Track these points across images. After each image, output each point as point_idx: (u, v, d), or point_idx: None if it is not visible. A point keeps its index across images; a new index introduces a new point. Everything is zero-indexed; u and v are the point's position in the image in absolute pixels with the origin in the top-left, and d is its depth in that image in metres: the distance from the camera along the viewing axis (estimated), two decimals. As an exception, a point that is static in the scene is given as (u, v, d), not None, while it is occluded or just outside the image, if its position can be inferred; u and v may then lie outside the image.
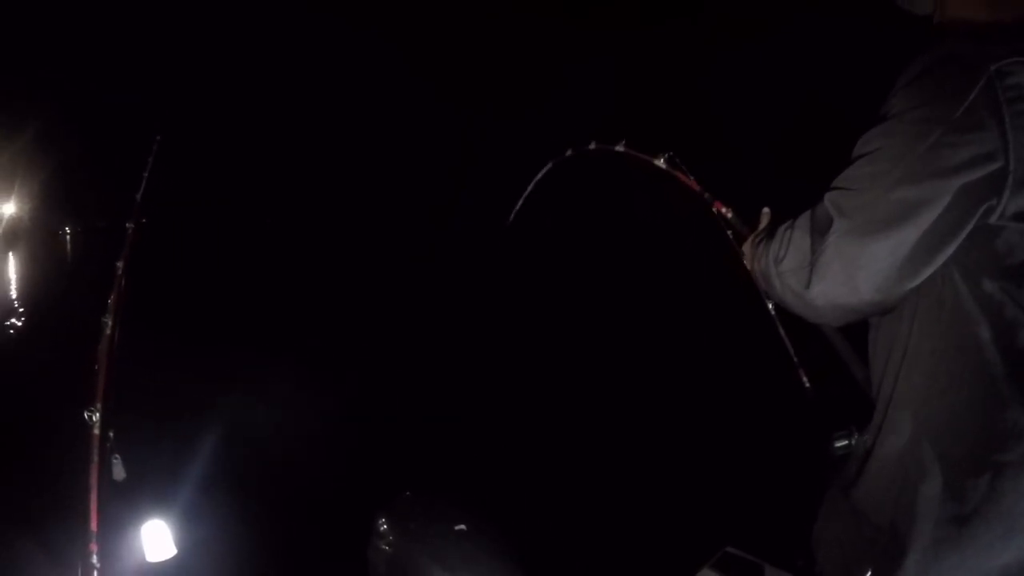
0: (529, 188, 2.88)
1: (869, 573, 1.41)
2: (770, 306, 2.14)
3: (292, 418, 5.61)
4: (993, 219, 1.27)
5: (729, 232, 2.09)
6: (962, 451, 1.30)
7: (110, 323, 1.98)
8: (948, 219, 1.28)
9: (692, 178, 2.26)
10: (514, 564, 2.16)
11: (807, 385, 2.26)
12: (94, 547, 1.70)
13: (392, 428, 5.90)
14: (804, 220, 1.46)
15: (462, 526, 2.17)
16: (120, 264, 2.11)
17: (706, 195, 2.20)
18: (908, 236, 1.30)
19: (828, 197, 1.41)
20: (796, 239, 1.46)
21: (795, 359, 2.22)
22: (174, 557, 1.97)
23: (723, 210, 2.13)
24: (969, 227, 1.28)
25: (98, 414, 1.82)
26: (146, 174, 2.36)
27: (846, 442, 2.13)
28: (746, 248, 1.82)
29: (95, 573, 1.68)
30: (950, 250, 1.30)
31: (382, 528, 2.25)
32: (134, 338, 2.13)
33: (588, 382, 7.23)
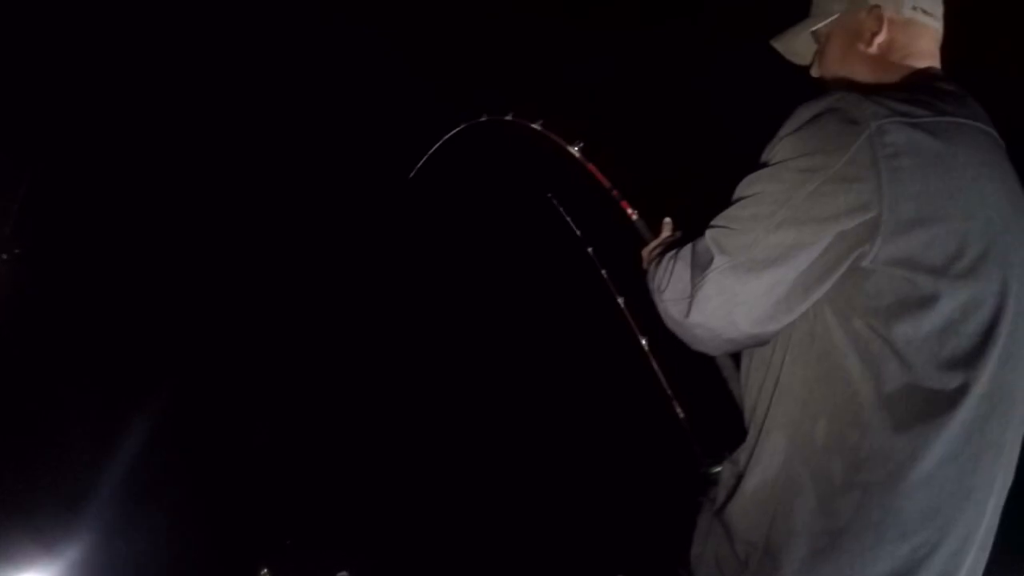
0: (436, 146, 2.79)
1: None
2: (643, 342, 2.24)
3: (175, 467, 5.38)
4: (865, 263, 1.38)
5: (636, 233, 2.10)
6: (833, 471, 1.40)
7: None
8: (824, 261, 1.39)
9: (603, 173, 2.24)
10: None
11: (681, 415, 2.34)
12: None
13: (274, 474, 5.72)
14: (686, 253, 1.54)
15: (344, 573, 2.14)
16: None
17: (614, 192, 2.20)
18: (785, 275, 1.40)
19: (709, 234, 1.49)
20: (678, 270, 1.54)
21: (669, 391, 2.30)
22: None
23: (629, 211, 2.14)
24: (842, 269, 1.39)
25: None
26: (15, 206, 2.24)
27: (719, 468, 2.23)
28: (645, 255, 1.89)
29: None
30: (824, 289, 1.41)
31: (265, 578, 2.19)
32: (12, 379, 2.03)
33: (463, 404, 7.19)
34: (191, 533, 4.53)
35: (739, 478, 1.56)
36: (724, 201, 1.73)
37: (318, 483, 5.31)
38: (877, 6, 1.63)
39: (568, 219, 2.35)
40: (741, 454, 1.59)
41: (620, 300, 2.23)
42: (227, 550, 3.25)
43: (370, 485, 5.22)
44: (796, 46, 1.87)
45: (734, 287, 1.43)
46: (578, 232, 2.34)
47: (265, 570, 2.07)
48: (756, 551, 1.47)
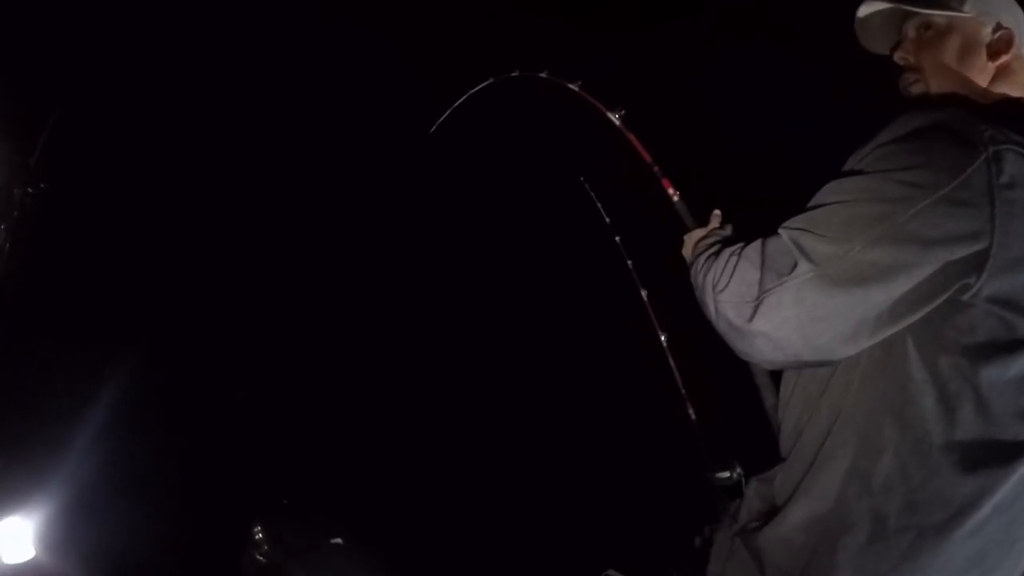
0: (460, 100, 2.57)
1: None
2: (663, 337, 2.19)
3: (168, 415, 5.37)
4: (965, 297, 1.26)
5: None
6: (888, 511, 1.31)
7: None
8: (923, 289, 1.25)
9: (645, 145, 2.04)
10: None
11: (693, 415, 2.29)
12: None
13: (271, 427, 5.72)
14: (753, 252, 1.39)
15: (338, 539, 2.13)
16: (2, 227, 1.96)
17: (656, 168, 2.00)
18: (877, 298, 1.26)
19: (790, 236, 1.33)
20: (742, 269, 1.38)
21: (683, 390, 2.25)
22: (32, 558, 1.86)
23: (671, 191, 1.96)
24: (940, 300, 1.27)
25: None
26: (43, 136, 2.20)
27: (728, 474, 2.18)
28: (687, 240, 1.72)
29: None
30: (915, 318, 1.28)
31: (257, 537, 2.18)
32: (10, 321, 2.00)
33: (470, 383, 7.17)
34: (184, 491, 4.53)
35: (775, 503, 1.45)
36: (727, 202, 1.64)
37: (318, 444, 5.32)
38: (1008, 29, 1.55)
39: (599, 205, 2.25)
40: (778, 478, 1.49)
41: (644, 293, 2.17)
42: (221, 508, 3.25)
43: (372, 456, 5.22)
44: (875, 21, 1.73)
45: (815, 300, 1.28)
46: (607, 219, 2.23)
47: (259, 528, 2.07)
48: None
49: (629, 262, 2.14)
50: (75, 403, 5.32)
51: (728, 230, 1.67)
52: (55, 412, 5.07)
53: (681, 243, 1.73)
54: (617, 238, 2.19)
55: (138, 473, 4.61)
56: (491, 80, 2.42)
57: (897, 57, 1.61)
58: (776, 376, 1.62)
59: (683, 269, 1.65)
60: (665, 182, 1.94)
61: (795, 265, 1.29)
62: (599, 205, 2.23)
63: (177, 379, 6.37)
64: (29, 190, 2.11)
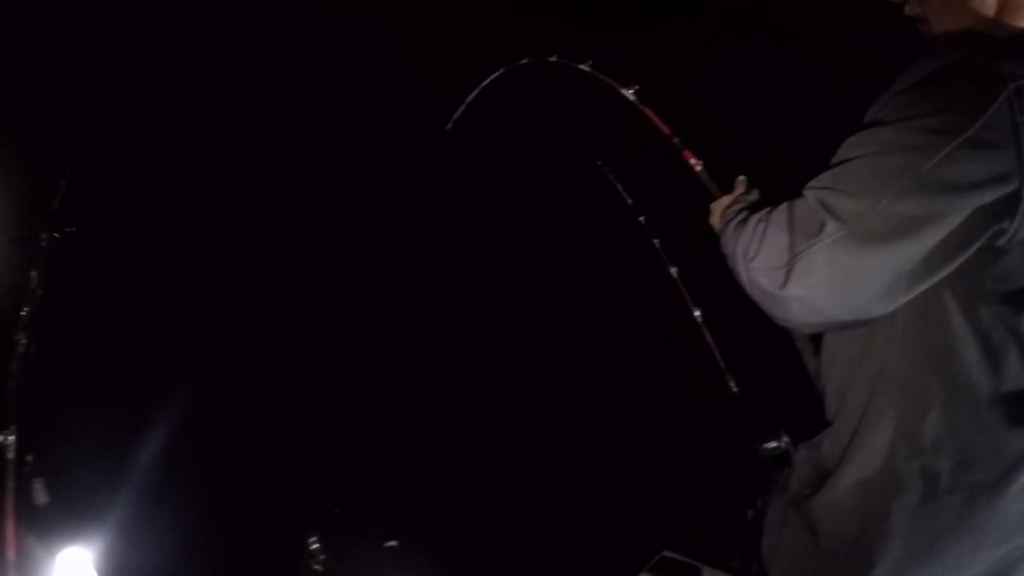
0: (474, 93, 2.57)
1: None
2: (696, 313, 2.17)
3: (221, 434, 5.46)
4: (1001, 242, 1.23)
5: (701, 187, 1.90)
6: (940, 470, 1.28)
7: (24, 340, 1.89)
8: (955, 238, 1.22)
9: (662, 119, 2.03)
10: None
11: (735, 389, 2.28)
12: (10, 576, 1.62)
13: (322, 443, 5.79)
14: (781, 216, 1.36)
15: (393, 542, 2.14)
16: (35, 275, 2.01)
17: (675, 140, 1.99)
18: (910, 252, 1.22)
19: (816, 196, 1.29)
20: (771, 235, 1.35)
21: (723, 364, 2.23)
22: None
23: (692, 161, 1.93)
24: (974, 248, 1.23)
25: (12, 437, 1.74)
26: (64, 182, 2.26)
27: (775, 444, 2.16)
28: (715, 208, 1.69)
29: (10, 604, 1.60)
30: (951, 268, 1.24)
31: (313, 547, 2.21)
32: (53, 355, 2.04)
33: (514, 373, 7.17)
34: (239, 503, 4.61)
35: (825, 468, 1.43)
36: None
37: (369, 452, 5.37)
38: None
39: (619, 187, 2.24)
40: (826, 443, 1.45)
41: (673, 270, 2.15)
42: (276, 519, 3.29)
43: (423, 458, 5.26)
44: None
45: (847, 260, 1.24)
46: (629, 200, 2.22)
47: (314, 538, 2.10)
48: (844, 549, 1.36)
49: (656, 241, 2.12)
50: (125, 432, 5.43)
51: (755, 195, 1.64)
52: (106, 443, 5.18)
53: (709, 213, 1.70)
54: (641, 218, 2.18)
55: (192, 495, 4.69)
56: (502, 70, 2.41)
57: (907, 10, 1.57)
58: (817, 340, 1.59)
59: (711, 242, 1.63)
60: (686, 153, 1.92)
61: (824, 225, 1.25)
62: (619, 187, 2.22)
63: (226, 400, 6.48)
64: (55, 235, 2.15)
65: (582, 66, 2.15)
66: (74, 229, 2.19)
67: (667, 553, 2.92)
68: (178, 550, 3.86)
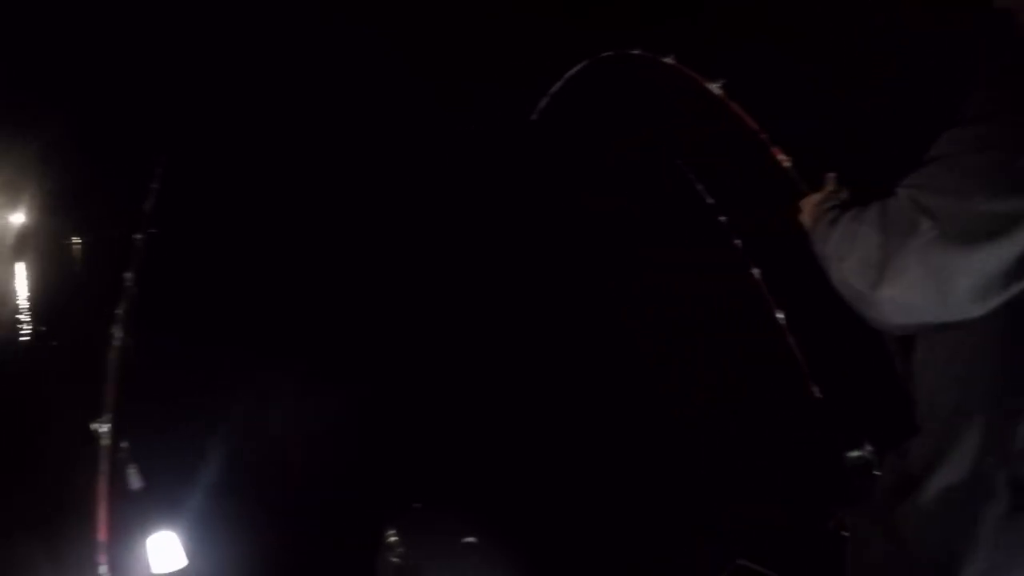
0: (558, 84, 2.52)
1: None
2: (780, 316, 2.13)
3: (304, 428, 5.62)
4: None
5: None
6: None
7: (120, 334, 1.97)
8: None
9: (749, 114, 1.98)
10: (522, 576, 2.14)
11: (818, 395, 2.23)
12: (102, 558, 1.69)
13: (403, 439, 5.89)
14: (873, 215, 1.33)
15: (471, 539, 2.16)
16: (129, 275, 2.11)
17: (763, 135, 1.95)
18: (1004, 252, 1.19)
19: (910, 195, 1.27)
20: (864, 234, 1.33)
21: (806, 369, 2.19)
22: (183, 568, 1.96)
23: (780, 157, 1.89)
24: None
25: (108, 425, 1.81)
26: (155, 185, 2.36)
27: (859, 453, 2.11)
28: (805, 206, 1.65)
29: (103, 584, 1.67)
30: None
31: (391, 540, 2.24)
32: (145, 348, 2.13)
33: (593, 377, 7.18)
34: (321, 496, 4.72)
35: (911, 476, 1.38)
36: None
37: (448, 447, 5.44)
38: None
39: (699, 186, 2.21)
40: (913, 450, 1.41)
41: (756, 271, 2.11)
42: (356, 512, 3.36)
43: (503, 455, 5.29)
44: None
45: (942, 260, 1.21)
46: (710, 200, 2.18)
47: (393, 531, 2.13)
48: (928, 558, 1.33)
49: (737, 241, 2.09)
50: (215, 423, 5.62)
51: (845, 193, 1.60)
52: (196, 433, 5.36)
53: (798, 210, 1.67)
54: (723, 218, 2.14)
55: (276, 486, 4.83)
56: (585, 62, 2.39)
57: (996, 2, 1.52)
58: (907, 343, 1.51)
59: (794, 243, 1.61)
60: (775, 150, 1.88)
61: (917, 225, 1.23)
62: (700, 186, 2.19)
63: (311, 395, 6.65)
64: (148, 235, 2.25)
65: (666, 59, 2.12)
66: (158, 231, 2.28)
67: (742, 561, 2.88)
68: (262, 538, 3.99)
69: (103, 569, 1.69)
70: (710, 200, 2.16)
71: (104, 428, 1.81)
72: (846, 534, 1.74)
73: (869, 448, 2.09)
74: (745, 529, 3.62)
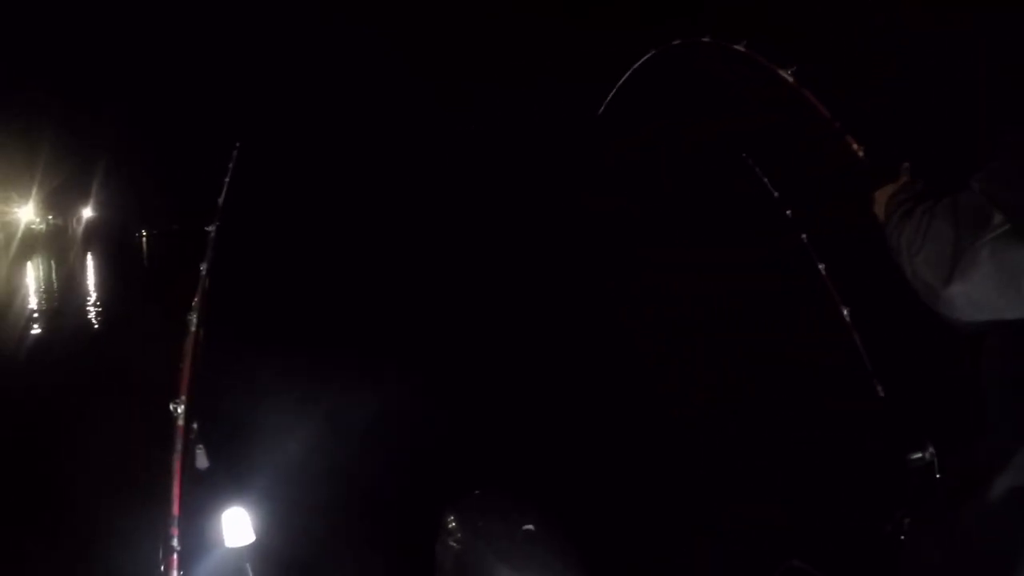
0: (625, 76, 2.48)
1: None
2: (845, 312, 2.10)
3: (368, 414, 5.72)
4: None
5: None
6: None
7: (195, 321, 2.05)
8: None
9: (822, 102, 1.94)
10: (581, 567, 2.15)
11: (881, 395, 2.20)
12: (175, 531, 1.75)
13: (464, 426, 5.97)
14: (946, 209, 1.31)
15: (530, 526, 2.17)
16: (204, 266, 2.19)
17: (837, 124, 1.90)
18: None
19: (984, 189, 1.25)
20: (936, 228, 1.31)
21: (870, 367, 2.16)
22: (252, 543, 2.03)
23: (855, 146, 1.85)
24: None
25: (182, 406, 1.88)
26: (227, 179, 2.44)
27: (921, 455, 2.08)
28: (879, 198, 1.62)
29: (175, 556, 1.73)
30: None
31: (451, 525, 2.26)
32: (217, 335, 2.21)
33: (654, 373, 7.17)
34: (383, 480, 4.81)
35: (976, 477, 1.35)
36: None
37: (512, 438, 5.48)
38: None
39: (765, 180, 2.18)
40: (979, 451, 1.38)
41: (821, 267, 2.09)
42: (417, 496, 3.42)
43: (563, 443, 5.32)
44: None
45: (1015, 255, 1.19)
46: (775, 193, 2.16)
47: (452, 517, 2.17)
48: (988, 560, 1.30)
49: (803, 236, 2.07)
50: (283, 407, 5.77)
51: (920, 184, 1.57)
52: (265, 416, 5.51)
53: (872, 201, 1.65)
54: (788, 212, 2.12)
55: (340, 470, 4.93)
56: (653, 52, 2.36)
57: None
58: (977, 341, 1.52)
59: (861, 236, 1.60)
60: (849, 138, 1.84)
61: (990, 219, 1.22)
62: (765, 180, 2.17)
63: (374, 381, 6.78)
64: (218, 225, 2.33)
65: (737, 47, 2.09)
66: (224, 223, 2.36)
67: (796, 562, 2.84)
68: (325, 518, 4.09)
69: (175, 542, 1.75)
70: (776, 193, 2.14)
71: (179, 409, 1.88)
72: (904, 537, 1.72)
73: (931, 450, 2.05)
74: (799, 529, 3.58)
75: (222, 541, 1.98)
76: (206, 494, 2.02)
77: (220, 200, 2.41)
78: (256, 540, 2.02)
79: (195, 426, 1.97)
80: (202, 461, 2.01)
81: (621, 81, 2.50)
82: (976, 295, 1.24)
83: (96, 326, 14.85)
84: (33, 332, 13.83)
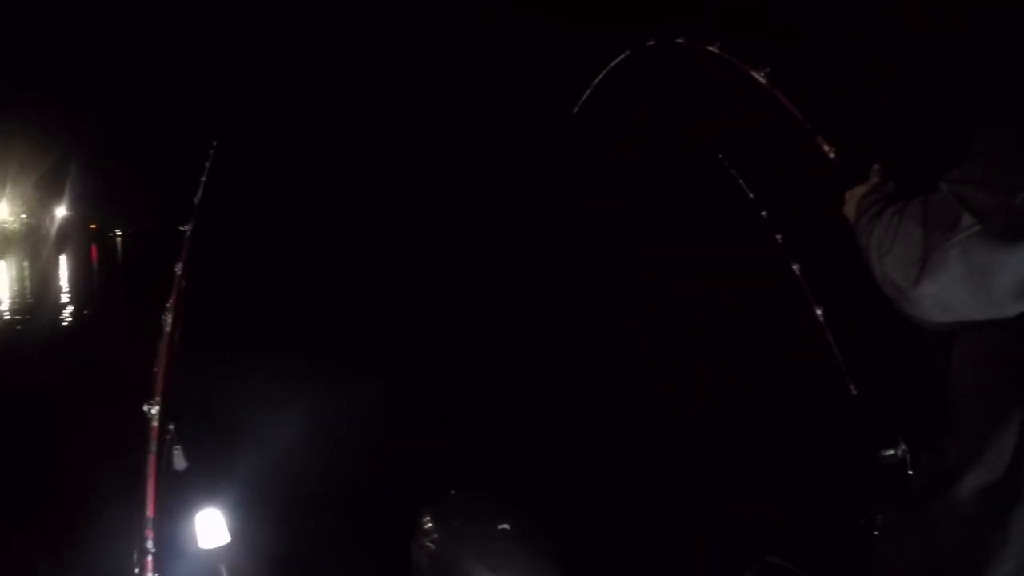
0: (600, 76, 2.50)
1: None
2: (818, 312, 2.12)
3: (342, 414, 5.71)
4: None
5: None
6: None
7: (169, 321, 2.04)
8: None
9: (794, 102, 1.95)
10: (555, 565, 2.16)
11: (854, 392, 2.22)
12: (150, 533, 1.74)
13: (439, 426, 5.96)
14: (916, 209, 1.31)
15: (505, 525, 2.18)
16: (179, 266, 2.17)
17: (809, 126, 1.91)
18: None
19: (950, 189, 1.25)
20: (906, 229, 1.31)
21: (843, 366, 2.18)
22: (227, 544, 2.02)
23: (826, 147, 1.85)
24: None
25: (157, 407, 1.87)
26: (203, 179, 2.43)
27: (893, 452, 2.10)
28: (849, 198, 1.62)
29: (149, 558, 1.72)
30: None
31: (427, 525, 2.26)
32: (191, 336, 2.20)
33: (629, 372, 7.20)
34: (357, 481, 4.80)
35: (946, 475, 1.36)
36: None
37: (486, 437, 5.48)
38: None
39: (740, 181, 2.20)
40: (949, 448, 1.39)
41: (796, 267, 2.11)
42: (392, 497, 3.42)
43: (537, 443, 5.32)
44: None
45: (983, 256, 1.19)
46: (751, 194, 2.18)
47: (428, 517, 2.16)
48: (958, 557, 1.31)
49: (778, 236, 2.08)
50: (259, 408, 5.73)
51: (891, 186, 1.58)
52: (240, 417, 5.48)
53: (842, 202, 1.65)
54: (763, 212, 2.14)
55: (314, 470, 4.92)
56: (627, 52, 2.37)
57: None
58: (945, 341, 1.52)
59: (834, 238, 1.60)
60: (819, 139, 1.85)
61: (959, 220, 1.22)
62: (741, 181, 2.18)
63: (349, 381, 6.76)
64: (195, 225, 2.32)
65: (711, 48, 2.11)
66: (208, 223, 2.35)
67: (771, 558, 2.87)
68: (300, 519, 4.07)
69: (150, 544, 1.74)
70: (751, 195, 2.15)
71: (154, 410, 1.87)
72: (877, 532, 1.74)
73: (903, 447, 2.08)
74: (774, 525, 3.60)
75: (197, 543, 1.97)
76: (182, 495, 2.01)
77: (196, 199, 2.40)
78: (231, 541, 2.01)
79: (172, 427, 1.96)
80: (180, 462, 2.00)
81: (596, 81, 2.50)
82: (944, 296, 1.25)
83: (70, 325, 14.71)
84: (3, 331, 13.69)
